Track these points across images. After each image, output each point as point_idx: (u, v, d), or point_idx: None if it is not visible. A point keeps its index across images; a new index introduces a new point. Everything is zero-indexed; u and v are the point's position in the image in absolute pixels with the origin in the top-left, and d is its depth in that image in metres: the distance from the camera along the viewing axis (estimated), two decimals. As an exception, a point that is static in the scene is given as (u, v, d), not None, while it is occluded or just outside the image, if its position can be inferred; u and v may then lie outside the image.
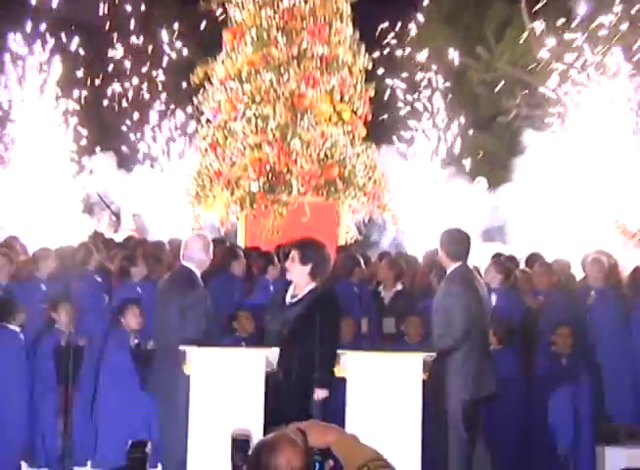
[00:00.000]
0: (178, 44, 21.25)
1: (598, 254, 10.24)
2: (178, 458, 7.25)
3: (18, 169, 15.89)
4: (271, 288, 9.93)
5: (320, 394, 7.14)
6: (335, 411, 7.11)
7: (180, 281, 7.77)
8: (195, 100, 15.80)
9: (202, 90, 15.47)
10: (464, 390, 7.59)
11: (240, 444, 3.73)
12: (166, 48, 21.31)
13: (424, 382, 7.10)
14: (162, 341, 7.82)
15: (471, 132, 21.52)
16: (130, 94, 21.40)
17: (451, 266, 7.82)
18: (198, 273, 7.78)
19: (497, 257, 10.86)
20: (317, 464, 3.19)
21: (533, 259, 10.59)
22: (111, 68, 21.76)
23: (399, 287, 9.65)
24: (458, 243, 7.85)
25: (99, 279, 9.69)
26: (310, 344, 7.12)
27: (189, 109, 18.72)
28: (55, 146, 16.43)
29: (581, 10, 19.77)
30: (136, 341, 8.48)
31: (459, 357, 7.57)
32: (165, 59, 21.39)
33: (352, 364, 7.06)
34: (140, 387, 8.33)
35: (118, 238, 13.54)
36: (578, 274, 10.77)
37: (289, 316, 7.32)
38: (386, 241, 16.08)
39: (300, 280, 7.34)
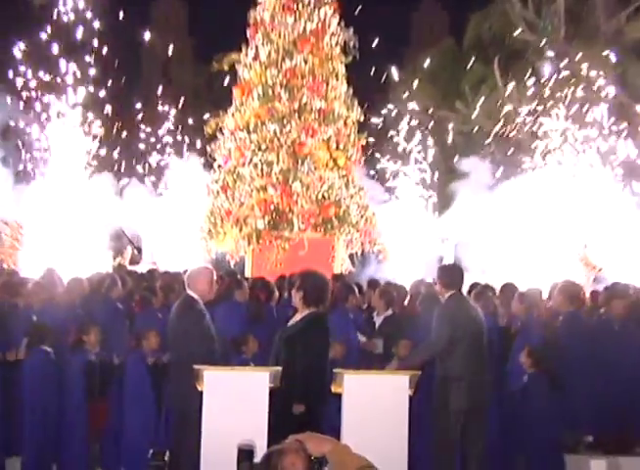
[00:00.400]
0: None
1: (566, 282, 10.28)
2: (191, 467, 7.19)
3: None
4: (275, 313, 9.93)
5: (296, 408, 7.08)
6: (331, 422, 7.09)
7: (183, 308, 7.77)
8: (208, 148, 15.91)
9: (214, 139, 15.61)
10: (461, 400, 7.60)
11: (245, 453, 3.74)
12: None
13: (410, 397, 7.08)
14: (175, 359, 7.82)
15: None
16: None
17: (446, 295, 7.97)
18: (200, 301, 7.76)
19: (475, 286, 10.84)
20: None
21: (508, 288, 10.56)
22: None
23: (389, 312, 9.64)
24: (450, 275, 8.05)
25: (120, 306, 9.66)
26: (293, 363, 7.09)
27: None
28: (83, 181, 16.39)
29: (546, 71, 20.13)
30: (153, 359, 8.44)
31: (457, 371, 7.62)
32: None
33: (347, 382, 7.03)
34: (157, 400, 8.29)
35: (140, 269, 13.53)
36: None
37: (282, 338, 7.35)
38: (367, 272, 16.09)
39: (298, 305, 7.38)
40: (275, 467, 3.17)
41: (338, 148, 15.08)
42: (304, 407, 7.08)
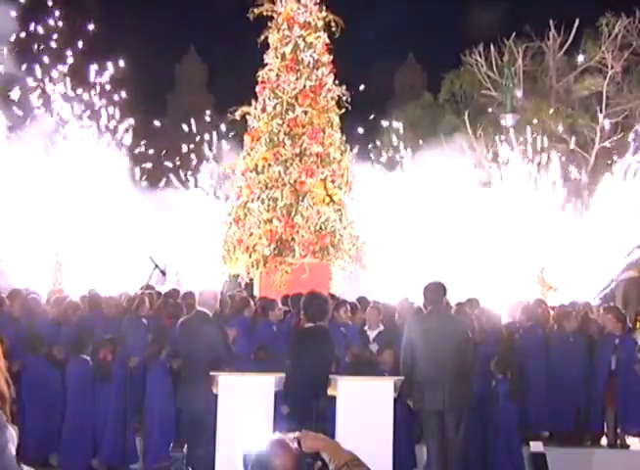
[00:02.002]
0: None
1: (530, 302, 10.36)
2: (206, 460, 7.11)
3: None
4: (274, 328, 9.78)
5: (282, 409, 7.12)
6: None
7: (198, 321, 7.75)
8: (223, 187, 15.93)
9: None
10: (431, 401, 7.42)
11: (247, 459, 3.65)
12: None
13: (395, 399, 7.04)
14: (191, 365, 7.76)
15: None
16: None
17: (427, 310, 7.84)
18: (210, 314, 7.79)
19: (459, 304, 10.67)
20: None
21: (471, 303, 10.40)
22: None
23: (381, 327, 9.54)
24: (429, 292, 7.78)
25: (145, 322, 9.55)
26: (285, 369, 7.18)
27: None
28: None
29: (508, 122, 20.27)
30: (173, 366, 8.39)
31: (423, 376, 7.43)
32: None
33: (341, 386, 7.00)
34: (175, 401, 8.22)
35: (165, 290, 13.41)
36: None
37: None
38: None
39: (303, 321, 7.40)
40: (267, 468, 3.02)
41: (333, 186, 15.09)
42: (288, 408, 7.07)
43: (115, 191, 16.96)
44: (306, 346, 7.15)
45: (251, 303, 10.10)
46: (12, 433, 2.56)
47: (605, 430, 9.63)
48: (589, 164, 26.32)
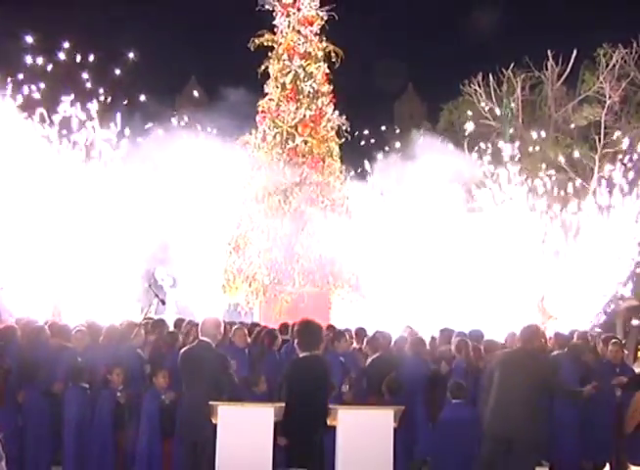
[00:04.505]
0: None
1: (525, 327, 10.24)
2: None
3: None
4: (277, 356, 9.75)
5: (280, 440, 7.00)
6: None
7: (200, 350, 7.69)
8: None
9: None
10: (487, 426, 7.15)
11: None
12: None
13: (395, 429, 7.00)
14: (192, 395, 7.68)
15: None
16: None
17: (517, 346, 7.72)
18: (212, 344, 7.73)
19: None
20: None
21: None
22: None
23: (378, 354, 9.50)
24: (523, 333, 7.53)
25: (140, 352, 9.47)
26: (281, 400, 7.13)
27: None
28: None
29: (507, 150, 20.40)
30: (167, 396, 8.32)
31: (491, 405, 7.19)
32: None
33: (341, 416, 6.97)
34: (166, 431, 8.14)
35: (165, 318, 13.36)
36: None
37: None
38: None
39: (297, 349, 7.37)
40: None
41: (333, 215, 15.14)
42: (286, 440, 7.00)
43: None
44: (303, 376, 7.09)
45: (245, 332, 10.04)
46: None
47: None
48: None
